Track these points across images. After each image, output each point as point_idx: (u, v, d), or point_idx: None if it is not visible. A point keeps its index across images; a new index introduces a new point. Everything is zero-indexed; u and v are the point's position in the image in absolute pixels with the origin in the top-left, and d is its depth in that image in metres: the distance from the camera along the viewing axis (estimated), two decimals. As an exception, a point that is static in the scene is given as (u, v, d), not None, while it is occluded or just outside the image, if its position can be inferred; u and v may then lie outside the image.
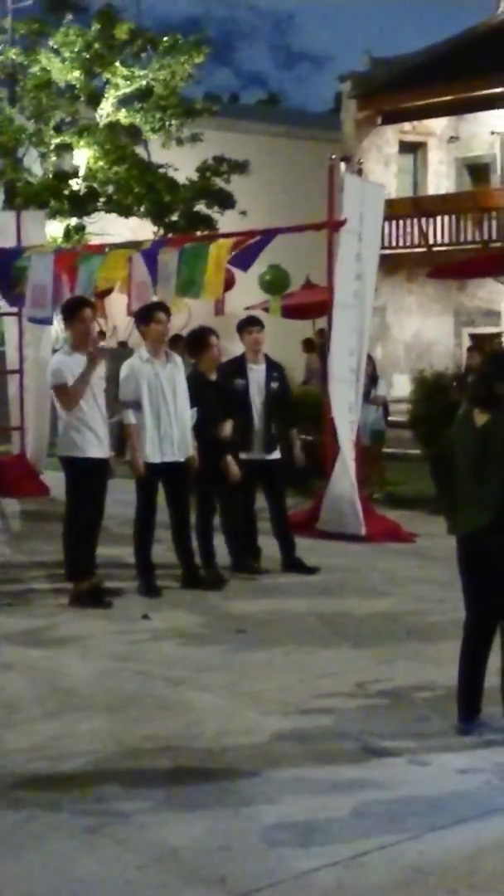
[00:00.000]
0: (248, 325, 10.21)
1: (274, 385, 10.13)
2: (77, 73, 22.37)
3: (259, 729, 5.94)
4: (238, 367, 10.13)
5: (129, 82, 22.63)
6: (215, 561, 9.71)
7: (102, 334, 19.16)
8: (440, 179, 29.44)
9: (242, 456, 9.86)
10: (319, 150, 22.18)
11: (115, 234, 19.36)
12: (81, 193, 22.16)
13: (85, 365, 8.71)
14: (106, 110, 22.76)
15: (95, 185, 22.36)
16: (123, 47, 22.64)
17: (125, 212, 22.41)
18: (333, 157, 13.36)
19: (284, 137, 29.39)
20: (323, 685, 6.72)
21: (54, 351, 11.81)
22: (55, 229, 21.15)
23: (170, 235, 20.64)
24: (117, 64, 22.49)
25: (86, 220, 22.22)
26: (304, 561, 10.07)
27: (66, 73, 22.36)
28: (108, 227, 21.47)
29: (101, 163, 22.08)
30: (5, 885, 4.28)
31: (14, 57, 22.69)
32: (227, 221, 21.56)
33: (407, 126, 28.93)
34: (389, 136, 28.79)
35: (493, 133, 27.95)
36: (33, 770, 5.40)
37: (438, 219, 26.52)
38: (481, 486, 5.70)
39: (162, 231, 21.99)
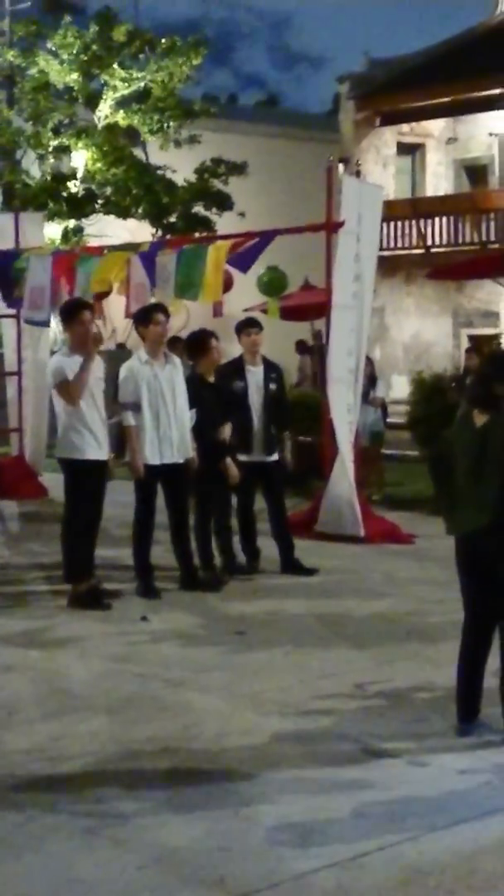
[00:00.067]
0: (247, 326, 10.21)
1: (272, 386, 10.14)
2: (75, 75, 22.33)
3: (258, 730, 5.94)
4: (237, 368, 10.13)
5: (127, 84, 22.59)
6: (214, 562, 9.72)
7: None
8: (438, 181, 29.45)
9: (242, 457, 9.86)
10: (318, 151, 22.16)
11: (114, 236, 19.30)
12: (79, 195, 22.12)
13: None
14: (104, 112, 22.73)
15: (93, 186, 22.33)
16: (121, 49, 22.58)
17: (123, 213, 22.37)
18: (332, 158, 13.37)
19: (283, 139, 29.36)
20: (322, 686, 6.72)
21: (52, 353, 11.82)
22: (53, 231, 21.12)
23: (168, 237, 20.61)
24: (115, 66, 22.43)
25: (84, 221, 22.18)
26: (303, 562, 10.07)
27: (64, 75, 22.32)
28: (106, 229, 21.43)
29: (99, 164, 22.03)
30: (5, 886, 4.28)
31: (12, 59, 22.64)
32: (225, 223, 21.53)
33: (405, 127, 28.97)
34: (388, 138, 28.82)
35: (491, 134, 27.95)
36: (32, 771, 5.41)
37: (437, 220, 26.54)
38: (480, 487, 5.70)
39: (160, 233, 21.95)
